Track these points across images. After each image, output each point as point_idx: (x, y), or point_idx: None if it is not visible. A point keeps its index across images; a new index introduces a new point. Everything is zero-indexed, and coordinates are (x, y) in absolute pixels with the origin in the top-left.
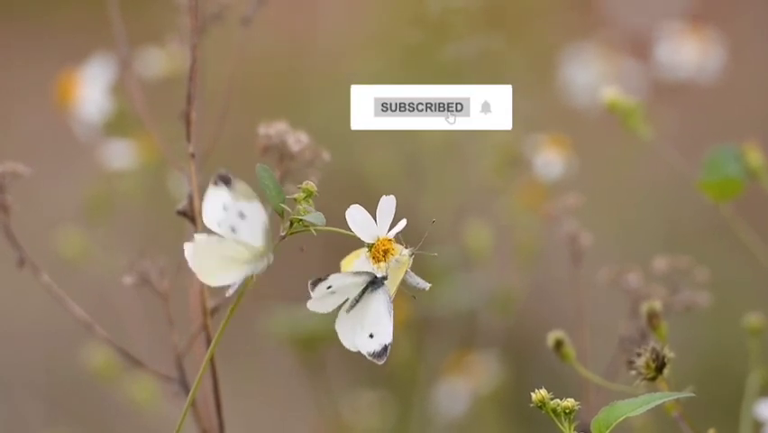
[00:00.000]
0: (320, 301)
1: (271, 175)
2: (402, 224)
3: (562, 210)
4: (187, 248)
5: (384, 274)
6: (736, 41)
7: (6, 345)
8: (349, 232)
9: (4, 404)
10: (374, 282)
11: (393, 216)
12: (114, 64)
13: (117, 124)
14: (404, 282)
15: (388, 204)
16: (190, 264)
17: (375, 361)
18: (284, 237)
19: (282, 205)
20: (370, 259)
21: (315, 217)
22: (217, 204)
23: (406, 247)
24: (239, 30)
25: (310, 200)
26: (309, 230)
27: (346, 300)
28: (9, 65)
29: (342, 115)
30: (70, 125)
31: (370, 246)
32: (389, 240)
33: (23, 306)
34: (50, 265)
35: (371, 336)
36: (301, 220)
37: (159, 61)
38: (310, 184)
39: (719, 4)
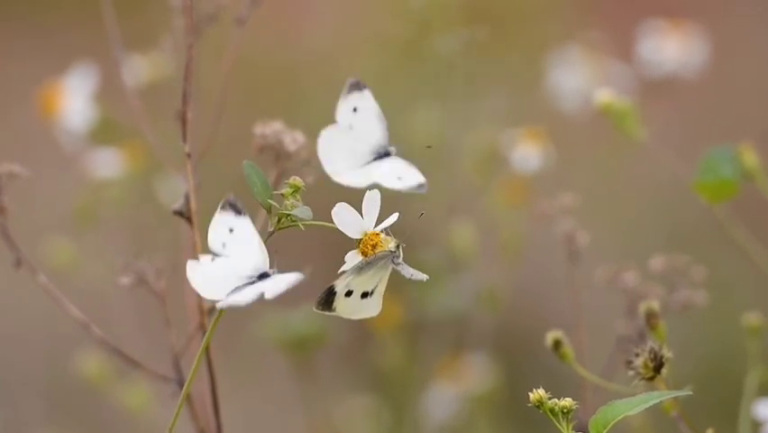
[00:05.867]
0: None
1: (258, 171)
2: (393, 218)
3: (558, 210)
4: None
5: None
6: (723, 36)
7: (6, 345)
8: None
9: (4, 404)
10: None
11: (378, 210)
12: (96, 73)
13: (102, 133)
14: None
15: (372, 198)
16: (195, 287)
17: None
18: (272, 233)
19: (270, 201)
20: (359, 255)
21: (301, 211)
22: (222, 228)
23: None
24: (234, 29)
25: (297, 195)
26: (297, 225)
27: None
28: (2, 67)
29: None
30: (55, 136)
31: (359, 242)
32: (377, 234)
33: (23, 306)
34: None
35: None
36: (289, 215)
37: (143, 67)
38: (297, 179)
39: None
